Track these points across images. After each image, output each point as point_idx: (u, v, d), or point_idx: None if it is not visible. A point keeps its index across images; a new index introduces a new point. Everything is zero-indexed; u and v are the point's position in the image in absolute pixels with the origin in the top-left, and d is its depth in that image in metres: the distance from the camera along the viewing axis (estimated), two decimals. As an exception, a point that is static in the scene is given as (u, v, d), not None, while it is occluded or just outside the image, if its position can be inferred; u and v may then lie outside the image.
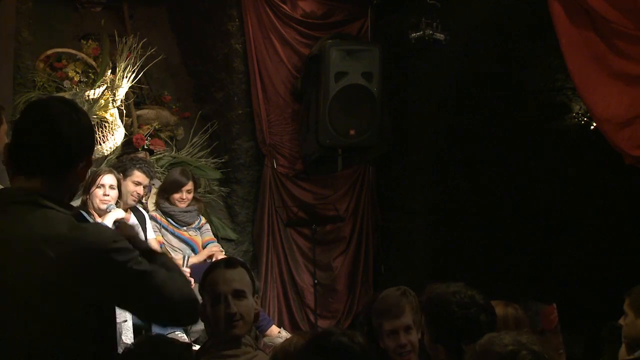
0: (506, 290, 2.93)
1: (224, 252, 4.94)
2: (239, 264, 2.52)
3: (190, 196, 4.89)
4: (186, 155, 5.48)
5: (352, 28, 5.71)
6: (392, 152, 5.79)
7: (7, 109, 3.78)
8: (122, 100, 4.98)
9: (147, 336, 2.14)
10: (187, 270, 4.42)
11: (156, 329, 3.89)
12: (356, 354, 1.74)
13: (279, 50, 5.52)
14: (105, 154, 4.87)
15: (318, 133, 5.31)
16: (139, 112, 5.37)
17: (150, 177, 4.71)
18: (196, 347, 3.22)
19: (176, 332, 4.11)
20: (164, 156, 5.36)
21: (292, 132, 5.69)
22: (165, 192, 4.85)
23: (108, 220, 3.97)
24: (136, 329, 3.97)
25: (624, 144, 3.53)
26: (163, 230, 4.80)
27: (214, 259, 4.62)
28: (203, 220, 5.05)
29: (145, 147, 5.23)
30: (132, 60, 4.98)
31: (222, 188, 5.66)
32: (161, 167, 5.28)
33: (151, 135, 5.32)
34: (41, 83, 4.80)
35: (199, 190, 5.39)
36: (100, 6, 5.48)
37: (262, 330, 4.74)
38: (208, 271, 2.48)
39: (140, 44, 5.09)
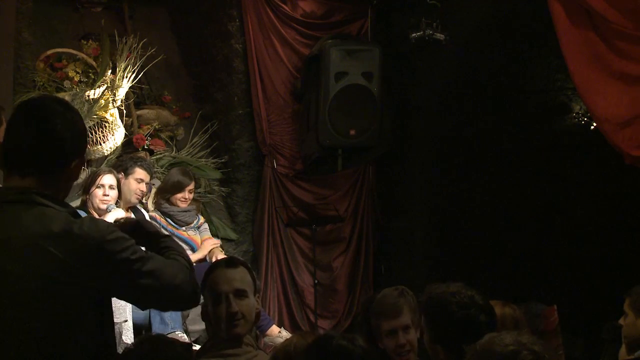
0: (506, 291, 2.93)
1: (220, 247, 4.93)
2: (240, 263, 2.52)
3: (192, 196, 4.90)
4: (186, 155, 5.48)
5: (352, 28, 5.71)
6: (392, 152, 5.79)
7: (7, 109, 3.77)
8: (122, 100, 4.98)
9: (147, 336, 2.14)
10: None
11: (156, 329, 3.89)
12: (357, 357, 1.74)
13: (279, 50, 5.52)
14: (106, 154, 4.88)
15: (318, 133, 5.31)
16: (139, 112, 5.37)
17: (151, 175, 4.73)
18: (196, 347, 3.22)
19: (176, 332, 4.11)
20: (164, 156, 5.36)
21: (292, 132, 5.69)
22: (167, 193, 4.85)
23: (108, 220, 3.97)
24: (136, 329, 3.98)
25: (624, 144, 3.53)
26: (163, 230, 4.81)
27: (214, 259, 4.63)
28: (201, 219, 5.06)
29: (146, 147, 5.23)
30: (132, 60, 4.98)
31: (222, 188, 5.66)
32: (161, 167, 5.28)
33: (151, 135, 5.32)
34: (41, 83, 4.80)
35: (199, 190, 5.40)
36: (101, 6, 5.48)
37: (262, 330, 4.74)
38: (209, 271, 2.49)
39: (141, 44, 5.09)
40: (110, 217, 4.02)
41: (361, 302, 5.59)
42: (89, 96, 4.74)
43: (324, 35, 5.51)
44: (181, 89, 5.86)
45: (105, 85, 4.82)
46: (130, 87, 5.05)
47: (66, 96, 4.64)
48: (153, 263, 1.89)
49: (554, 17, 3.69)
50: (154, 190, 4.97)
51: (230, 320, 2.36)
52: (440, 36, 4.93)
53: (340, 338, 1.78)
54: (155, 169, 5.15)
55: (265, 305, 5.47)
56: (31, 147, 1.84)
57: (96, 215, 4.15)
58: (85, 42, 5.11)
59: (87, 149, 4.69)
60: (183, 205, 4.85)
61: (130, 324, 3.91)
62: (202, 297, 2.50)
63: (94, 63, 4.95)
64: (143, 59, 5.05)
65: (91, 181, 4.25)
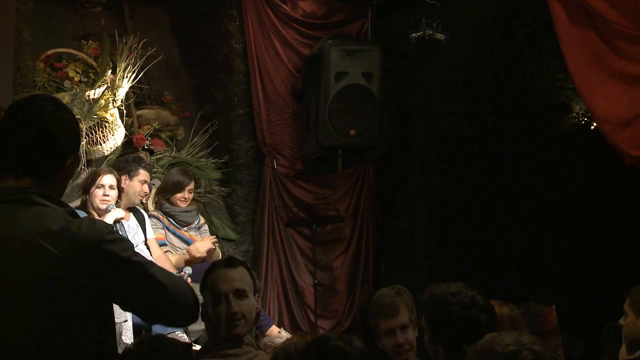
0: (506, 291, 2.93)
1: (217, 242, 4.94)
2: (240, 263, 2.52)
3: (192, 196, 4.91)
4: (186, 156, 5.48)
5: (353, 28, 5.71)
6: (392, 152, 5.79)
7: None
8: (122, 100, 4.97)
9: (147, 336, 2.14)
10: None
11: (156, 329, 3.89)
12: (354, 359, 1.73)
13: (279, 50, 5.52)
14: (106, 154, 4.87)
15: (318, 133, 5.31)
16: (139, 112, 5.36)
17: (151, 174, 4.76)
18: (196, 347, 3.22)
19: (176, 332, 4.11)
20: (164, 156, 5.36)
21: (292, 132, 5.69)
22: (167, 193, 4.86)
23: (107, 220, 3.98)
24: (136, 329, 3.97)
25: (624, 144, 3.53)
26: (165, 229, 4.82)
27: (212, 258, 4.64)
28: (202, 220, 5.06)
29: (146, 147, 5.23)
30: (133, 60, 4.98)
31: (222, 188, 5.66)
32: (161, 167, 5.28)
33: (151, 135, 5.32)
34: (41, 83, 4.80)
35: (199, 190, 5.40)
36: (101, 6, 5.47)
37: (262, 330, 4.74)
38: (209, 271, 2.49)
39: (141, 44, 5.08)
40: (110, 217, 4.03)
41: (359, 303, 5.61)
42: (89, 96, 4.74)
43: (324, 35, 5.52)
44: (181, 89, 5.85)
45: (106, 85, 4.81)
46: (130, 87, 5.05)
47: (66, 96, 4.64)
48: (155, 268, 1.90)
49: (554, 17, 3.69)
50: (154, 190, 4.97)
51: (230, 320, 2.36)
52: (440, 36, 4.93)
53: (337, 339, 1.76)
54: (155, 169, 5.16)
55: (265, 305, 5.47)
56: (25, 148, 1.85)
57: (96, 215, 4.15)
58: (85, 42, 5.10)
59: (88, 149, 4.70)
60: (183, 205, 4.86)
61: (130, 324, 3.90)
62: (202, 297, 2.50)
63: (94, 63, 4.94)
64: (143, 59, 5.05)
65: (91, 181, 4.25)
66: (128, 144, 5.18)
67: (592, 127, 5.00)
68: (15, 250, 1.76)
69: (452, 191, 5.66)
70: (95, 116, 4.73)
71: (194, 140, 5.59)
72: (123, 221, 4.18)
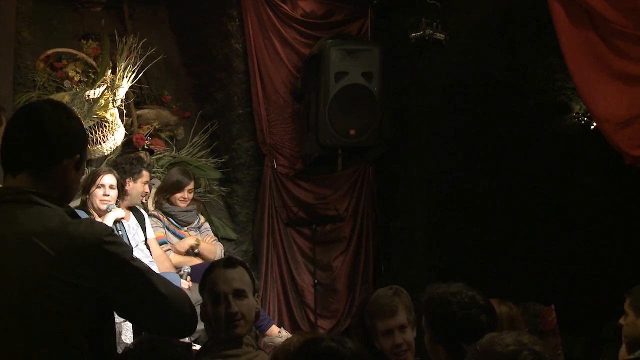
0: (506, 291, 2.93)
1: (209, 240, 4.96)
2: (239, 263, 2.52)
3: (192, 196, 4.91)
4: (186, 156, 5.48)
5: (353, 28, 5.71)
6: (392, 152, 5.79)
7: (8, 109, 3.78)
8: (122, 100, 4.98)
9: (147, 336, 2.13)
10: (186, 284, 4.43)
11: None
12: (347, 359, 1.71)
13: (279, 50, 5.52)
14: (106, 154, 4.88)
15: (318, 133, 5.31)
16: (139, 112, 5.36)
17: (151, 174, 4.82)
18: (196, 347, 3.22)
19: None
20: (164, 156, 5.36)
21: (292, 132, 5.69)
22: (167, 193, 4.87)
23: (108, 220, 3.98)
24: (136, 329, 3.97)
25: (624, 144, 3.54)
26: (165, 229, 4.82)
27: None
28: (202, 219, 5.06)
29: (146, 147, 5.23)
30: (133, 60, 4.98)
31: (222, 188, 5.66)
32: (161, 167, 5.29)
33: (151, 135, 5.32)
34: (41, 83, 4.80)
35: (199, 190, 5.40)
36: (101, 6, 5.47)
37: (262, 330, 4.74)
38: (208, 271, 2.49)
39: (141, 44, 5.09)
40: (110, 218, 4.02)
41: (358, 303, 5.61)
42: (89, 96, 4.74)
43: (324, 35, 5.52)
44: (181, 89, 5.85)
45: (106, 85, 4.82)
46: (130, 87, 5.05)
47: (66, 96, 4.64)
48: (154, 276, 1.90)
49: (554, 17, 3.69)
50: (154, 190, 4.98)
51: (230, 320, 2.36)
52: (440, 36, 4.93)
53: (329, 340, 1.74)
54: (155, 169, 5.17)
55: (266, 305, 5.47)
56: (20, 145, 1.88)
57: (96, 215, 4.15)
58: (85, 42, 5.11)
59: (88, 149, 4.69)
60: (183, 205, 4.86)
61: (130, 324, 3.90)
62: (201, 297, 2.50)
63: (94, 63, 4.95)
64: (143, 59, 5.05)
65: (91, 181, 4.25)
66: (128, 144, 5.18)
67: (592, 127, 5.00)
68: (11, 249, 1.77)
69: (452, 191, 5.66)
70: (95, 116, 4.73)
71: (194, 140, 5.59)
72: (123, 221, 4.18)
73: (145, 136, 5.26)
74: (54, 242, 1.76)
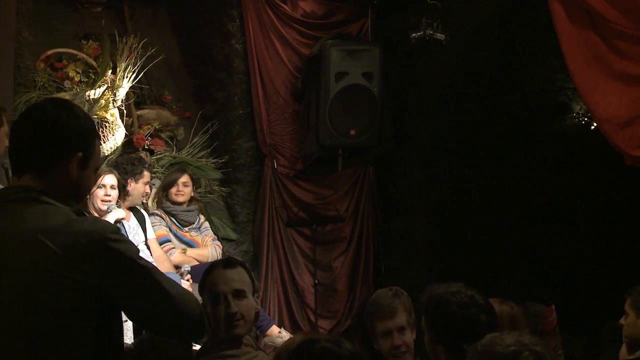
0: (506, 291, 2.93)
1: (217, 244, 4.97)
2: (238, 263, 2.51)
3: (188, 190, 4.89)
4: (186, 156, 5.48)
5: (353, 28, 5.71)
6: (392, 152, 5.79)
7: (8, 109, 3.78)
8: (122, 100, 4.98)
9: (147, 336, 2.13)
10: (186, 284, 4.42)
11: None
12: (343, 359, 1.70)
13: (280, 50, 5.52)
14: (106, 154, 4.88)
15: (318, 133, 5.30)
16: (139, 112, 5.36)
17: (152, 174, 4.82)
18: (196, 347, 3.22)
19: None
20: (164, 156, 5.36)
21: (292, 132, 5.69)
22: (164, 191, 4.89)
23: (109, 221, 3.98)
24: (136, 329, 3.97)
25: (624, 144, 3.53)
26: (166, 229, 4.82)
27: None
28: (202, 218, 5.06)
29: (146, 147, 5.23)
30: (133, 60, 4.98)
31: (222, 188, 5.66)
32: (161, 167, 5.29)
33: (151, 135, 5.32)
34: (42, 83, 4.80)
35: (199, 190, 5.40)
36: (101, 6, 5.47)
37: (262, 330, 4.74)
38: (207, 271, 2.48)
39: (141, 44, 5.09)
40: (110, 218, 4.02)
41: (357, 303, 5.61)
42: (89, 96, 4.74)
43: (324, 35, 5.51)
44: (181, 89, 5.85)
45: (106, 85, 4.82)
46: (130, 87, 5.05)
47: (66, 96, 4.65)
48: (161, 275, 1.87)
49: (554, 17, 3.69)
50: (154, 190, 4.98)
51: (229, 320, 2.35)
52: (440, 36, 4.93)
53: (324, 341, 1.73)
54: (156, 169, 5.17)
55: (266, 305, 5.46)
56: (23, 145, 1.89)
57: (97, 216, 4.14)
58: (85, 42, 5.11)
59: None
60: (180, 199, 4.86)
61: (130, 324, 3.90)
62: (200, 297, 2.50)
63: (94, 63, 4.95)
64: (143, 59, 5.05)
65: (92, 181, 4.25)
66: (128, 144, 5.18)
67: (592, 127, 5.00)
68: (17, 247, 1.77)
69: (452, 191, 5.67)
70: (95, 116, 4.73)
71: (194, 140, 5.59)
72: (124, 221, 4.18)
73: (145, 136, 5.26)
74: (59, 239, 1.75)
